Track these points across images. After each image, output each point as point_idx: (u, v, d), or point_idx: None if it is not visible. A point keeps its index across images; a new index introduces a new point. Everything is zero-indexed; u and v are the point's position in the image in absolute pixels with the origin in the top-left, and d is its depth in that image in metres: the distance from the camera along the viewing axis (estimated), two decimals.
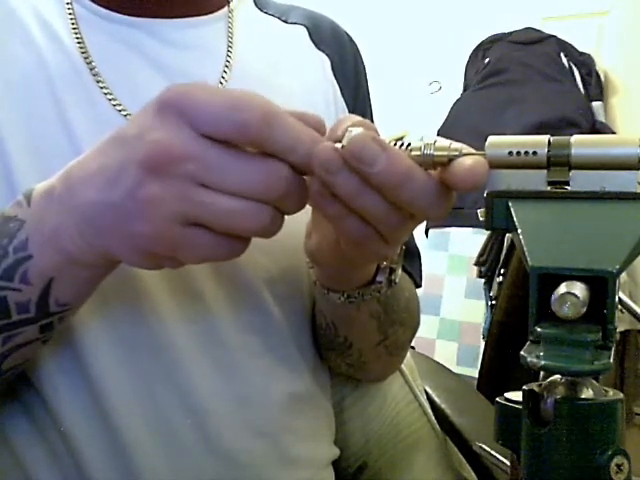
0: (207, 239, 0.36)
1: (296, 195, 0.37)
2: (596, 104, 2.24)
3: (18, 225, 0.40)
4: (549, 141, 0.34)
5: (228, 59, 0.58)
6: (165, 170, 0.34)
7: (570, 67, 2.28)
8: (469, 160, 0.35)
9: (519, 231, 0.33)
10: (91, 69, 0.53)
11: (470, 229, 2.16)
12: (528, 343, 0.31)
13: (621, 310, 1.27)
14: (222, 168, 0.35)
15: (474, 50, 2.46)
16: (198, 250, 0.37)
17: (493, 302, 1.77)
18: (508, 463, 0.35)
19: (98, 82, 0.53)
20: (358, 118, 0.39)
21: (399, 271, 0.51)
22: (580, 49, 2.31)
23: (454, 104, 2.39)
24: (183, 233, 0.36)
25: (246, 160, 0.35)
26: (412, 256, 0.65)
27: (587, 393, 0.31)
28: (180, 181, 0.35)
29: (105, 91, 0.52)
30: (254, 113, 0.34)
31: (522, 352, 0.30)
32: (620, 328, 1.89)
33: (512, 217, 0.34)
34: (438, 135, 2.28)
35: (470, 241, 2.13)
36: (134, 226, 0.36)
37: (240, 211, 0.35)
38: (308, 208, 0.43)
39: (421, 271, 0.66)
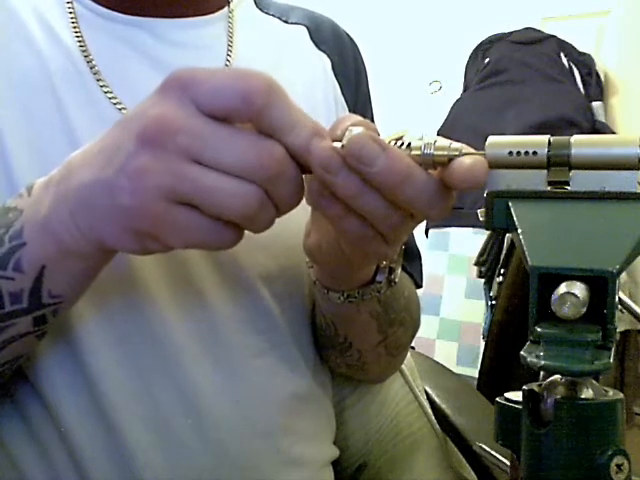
0: (194, 221, 0.36)
1: (289, 181, 0.36)
2: (596, 104, 2.24)
3: (16, 215, 0.41)
4: (549, 141, 0.34)
5: (228, 59, 0.58)
6: (159, 142, 0.34)
7: (570, 67, 2.28)
8: (469, 160, 0.35)
9: (519, 231, 0.33)
10: (91, 68, 0.53)
11: (470, 229, 2.16)
12: (528, 343, 0.31)
13: (621, 310, 1.28)
14: (216, 144, 0.34)
15: (474, 50, 2.46)
16: (184, 231, 0.36)
17: (493, 302, 1.77)
18: (508, 463, 0.35)
19: (98, 81, 0.53)
20: (358, 117, 0.39)
21: (399, 271, 0.51)
22: (580, 49, 2.31)
23: (454, 104, 2.39)
24: (169, 210, 0.35)
25: (242, 136, 0.35)
26: (412, 256, 0.65)
27: (587, 393, 0.31)
28: (172, 154, 0.34)
29: (105, 90, 0.52)
30: (258, 82, 0.34)
31: (522, 352, 0.30)
32: (620, 328, 1.89)
33: (512, 217, 0.34)
34: (438, 135, 2.27)
35: (470, 241, 2.13)
36: (121, 200, 0.35)
37: (228, 189, 0.35)
38: (308, 208, 0.43)
39: (421, 271, 0.66)
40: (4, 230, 0.40)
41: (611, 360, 0.29)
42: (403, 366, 0.73)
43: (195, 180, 0.34)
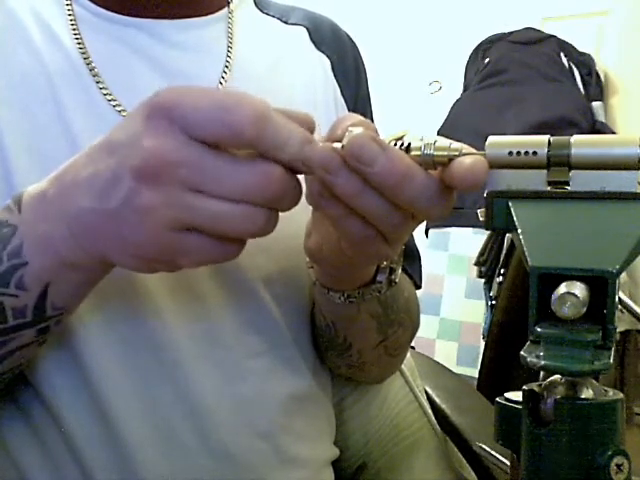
0: (202, 243, 0.36)
1: (290, 194, 0.37)
2: (596, 104, 2.24)
3: (11, 231, 0.40)
4: (549, 141, 0.34)
5: (228, 60, 0.58)
6: (160, 177, 0.34)
7: (570, 67, 2.28)
8: (468, 160, 0.35)
9: (519, 231, 0.33)
10: (90, 70, 0.53)
11: (470, 229, 2.16)
12: (528, 343, 0.31)
13: (621, 310, 1.28)
14: (215, 173, 0.35)
15: (474, 50, 2.47)
16: (194, 255, 0.37)
17: (493, 302, 1.77)
18: (508, 463, 0.35)
19: (98, 83, 0.52)
20: (358, 117, 0.39)
21: (399, 271, 0.51)
22: (580, 49, 2.31)
23: (454, 104, 2.39)
24: (178, 239, 0.36)
25: (239, 164, 0.35)
26: (412, 257, 0.65)
27: (587, 393, 0.31)
28: (174, 187, 0.34)
29: (105, 92, 0.52)
30: (244, 114, 0.34)
31: (522, 352, 0.30)
32: (620, 328, 1.89)
33: (512, 217, 0.34)
34: (438, 135, 2.27)
35: (470, 241, 2.13)
36: (130, 234, 0.36)
37: (235, 215, 0.35)
38: (308, 208, 0.43)
39: (421, 272, 0.66)
40: (1, 246, 0.40)
41: (611, 360, 0.29)
42: (403, 366, 0.73)
43: (201, 210, 0.35)
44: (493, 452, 0.70)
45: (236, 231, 0.36)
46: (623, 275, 1.49)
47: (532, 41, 2.33)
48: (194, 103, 0.34)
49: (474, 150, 0.36)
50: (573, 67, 2.28)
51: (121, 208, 0.35)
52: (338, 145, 0.36)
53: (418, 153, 0.36)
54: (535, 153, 0.34)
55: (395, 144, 0.36)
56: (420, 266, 0.66)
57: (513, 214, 0.34)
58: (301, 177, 0.39)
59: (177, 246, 0.36)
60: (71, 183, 0.38)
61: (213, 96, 0.35)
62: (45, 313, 0.41)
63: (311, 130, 0.38)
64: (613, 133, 2.16)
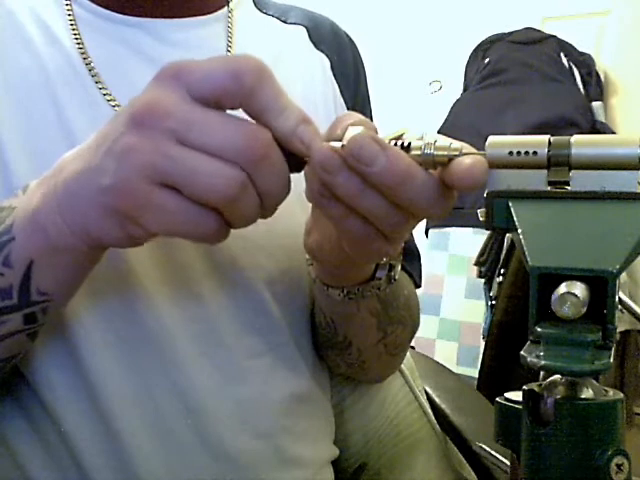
0: (175, 202, 0.35)
1: (272, 167, 0.36)
2: (596, 104, 2.24)
3: (9, 212, 0.41)
4: (549, 141, 0.34)
5: None
6: (147, 123, 0.35)
7: (570, 67, 2.28)
8: (468, 159, 0.35)
9: (519, 231, 0.33)
10: (90, 70, 0.53)
11: (470, 229, 2.16)
12: (528, 343, 0.31)
13: (621, 310, 1.28)
14: (203, 126, 0.35)
15: (474, 50, 2.46)
16: (165, 214, 0.36)
17: (493, 302, 1.77)
18: (508, 463, 0.35)
19: (97, 83, 0.52)
20: (358, 116, 0.39)
21: (399, 268, 0.51)
22: (580, 49, 2.31)
23: (454, 104, 2.39)
24: (151, 191, 0.35)
25: (229, 120, 0.35)
26: (412, 256, 0.65)
27: (587, 393, 0.31)
28: (159, 135, 0.34)
29: (104, 92, 0.52)
30: (249, 63, 0.35)
31: (522, 352, 0.30)
32: (620, 328, 1.89)
33: (512, 217, 0.34)
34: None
35: (470, 241, 2.13)
36: (105, 179, 0.35)
37: (210, 170, 0.34)
38: (307, 206, 0.43)
39: (421, 271, 0.66)
40: None
41: (611, 360, 0.29)
42: (403, 366, 0.73)
43: (178, 160, 0.34)
44: (493, 452, 0.70)
45: (208, 190, 0.35)
46: (623, 275, 1.49)
47: (532, 41, 2.33)
48: (200, 63, 0.35)
49: (474, 149, 0.36)
50: (573, 67, 2.28)
51: (105, 156, 0.36)
52: (338, 145, 0.36)
53: (418, 153, 0.36)
54: (535, 153, 0.34)
55: (395, 144, 0.36)
56: (420, 265, 0.66)
57: (513, 214, 0.34)
58: (299, 176, 0.39)
59: (150, 200, 0.35)
60: (70, 159, 0.39)
61: (220, 57, 0.36)
62: (30, 296, 0.41)
63: None
64: (613, 133, 2.16)
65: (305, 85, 0.62)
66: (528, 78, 2.27)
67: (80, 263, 0.42)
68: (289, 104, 0.36)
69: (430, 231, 2.28)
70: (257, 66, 0.35)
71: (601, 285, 0.29)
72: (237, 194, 0.35)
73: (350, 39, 0.69)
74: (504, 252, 1.70)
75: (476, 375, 1.59)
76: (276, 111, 0.35)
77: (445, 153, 0.35)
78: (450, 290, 2.24)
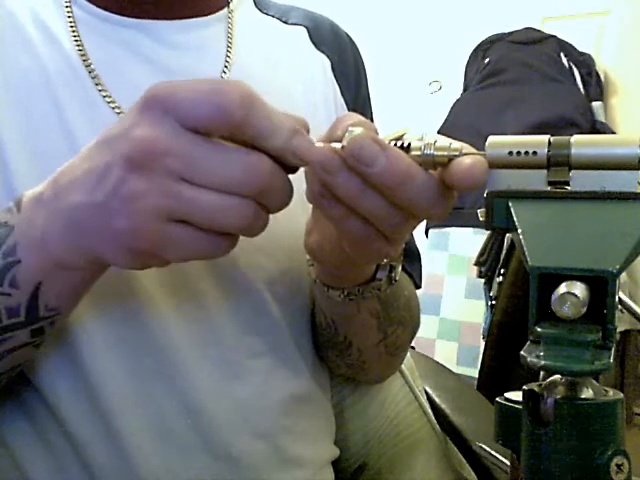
0: (190, 236, 0.36)
1: (278, 189, 0.37)
2: (596, 104, 2.24)
3: (7, 231, 0.40)
4: (549, 141, 0.34)
5: (228, 60, 0.58)
6: (148, 165, 0.34)
7: (570, 67, 2.28)
8: (468, 160, 0.35)
9: (519, 231, 0.33)
10: (90, 71, 0.53)
11: (470, 229, 2.16)
12: (528, 343, 0.31)
13: (621, 310, 1.28)
14: (204, 162, 0.35)
15: (474, 50, 2.47)
16: (181, 247, 0.36)
17: (493, 302, 1.77)
18: (508, 463, 0.35)
19: (97, 84, 0.52)
20: (358, 117, 0.39)
21: (399, 269, 0.51)
22: (580, 49, 2.31)
23: (454, 104, 2.39)
24: (165, 229, 0.35)
25: (228, 153, 0.35)
26: (412, 257, 0.65)
27: (587, 393, 0.31)
28: (162, 176, 0.34)
29: (104, 93, 0.52)
30: (233, 95, 0.34)
31: (522, 352, 0.30)
32: (620, 328, 1.89)
33: (512, 217, 0.34)
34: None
35: (470, 241, 2.13)
36: (117, 223, 0.35)
37: (222, 206, 0.35)
38: (308, 207, 0.43)
39: (421, 272, 0.66)
40: None
41: (611, 360, 0.29)
42: (403, 366, 0.73)
43: (189, 200, 0.35)
44: (493, 452, 0.70)
45: (224, 224, 0.36)
46: (623, 275, 1.49)
47: (532, 41, 2.33)
48: (187, 92, 0.34)
49: (474, 150, 0.36)
50: (573, 67, 2.28)
51: (110, 198, 0.35)
52: (338, 145, 0.36)
53: (418, 153, 0.36)
54: (535, 153, 0.34)
55: (395, 144, 0.36)
56: (420, 265, 0.66)
57: (513, 214, 0.34)
58: (300, 176, 0.39)
59: (164, 237, 0.36)
60: (67, 182, 0.38)
61: (204, 84, 0.35)
62: (38, 313, 0.41)
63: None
64: (613, 133, 2.16)
65: (305, 85, 0.62)
66: (528, 78, 2.27)
67: (88, 278, 0.42)
68: (277, 122, 0.36)
69: (430, 231, 2.28)
70: (242, 95, 0.34)
71: (601, 285, 0.29)
72: (251, 221, 0.36)
73: (351, 39, 0.69)
74: (504, 252, 1.70)
75: (476, 375, 1.59)
76: (266, 134, 0.35)
77: (445, 153, 0.35)
78: (450, 290, 2.24)
